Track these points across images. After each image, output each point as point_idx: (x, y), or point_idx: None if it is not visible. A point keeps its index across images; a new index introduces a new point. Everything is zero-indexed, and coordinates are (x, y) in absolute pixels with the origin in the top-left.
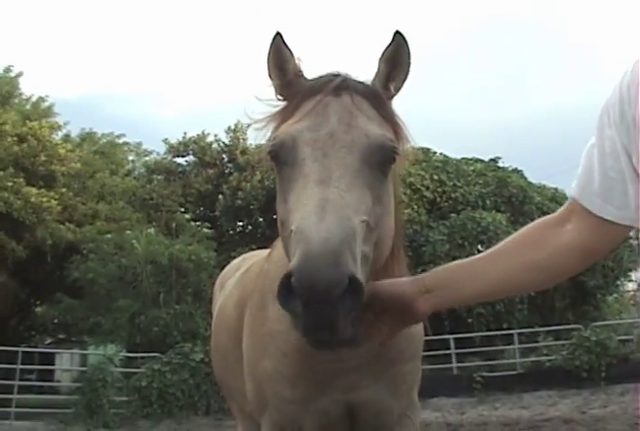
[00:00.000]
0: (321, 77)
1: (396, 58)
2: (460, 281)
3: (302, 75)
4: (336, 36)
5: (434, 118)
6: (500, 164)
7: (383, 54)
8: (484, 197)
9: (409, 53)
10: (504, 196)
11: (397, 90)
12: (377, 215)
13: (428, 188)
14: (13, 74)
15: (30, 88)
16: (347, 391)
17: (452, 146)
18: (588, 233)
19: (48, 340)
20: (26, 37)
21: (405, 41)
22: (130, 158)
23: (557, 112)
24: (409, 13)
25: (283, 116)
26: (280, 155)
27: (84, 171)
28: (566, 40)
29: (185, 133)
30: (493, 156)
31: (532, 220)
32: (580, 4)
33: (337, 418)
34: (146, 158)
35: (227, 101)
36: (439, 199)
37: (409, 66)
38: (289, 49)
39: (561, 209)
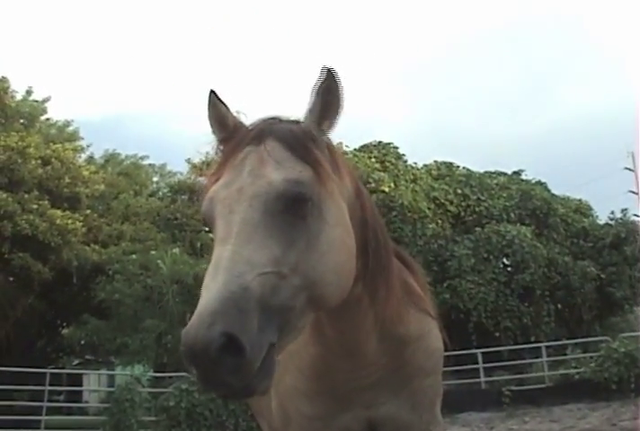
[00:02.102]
0: (250, 126)
1: (330, 97)
2: None
3: (242, 126)
4: (338, 36)
5: (456, 132)
6: (523, 177)
7: (317, 91)
8: (508, 211)
9: (342, 90)
10: (528, 208)
11: (332, 126)
12: (294, 260)
13: (452, 202)
14: (34, 97)
15: (53, 110)
16: (367, 407)
17: (475, 160)
18: None
19: (76, 361)
20: (47, 59)
21: (337, 78)
22: (155, 179)
23: (579, 124)
24: (428, 21)
25: (217, 173)
26: (205, 217)
27: (109, 193)
28: (589, 53)
29: (208, 152)
30: (516, 169)
31: (557, 232)
32: (604, 13)
33: None
34: (171, 179)
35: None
36: (463, 213)
37: (342, 102)
38: (225, 105)
39: None
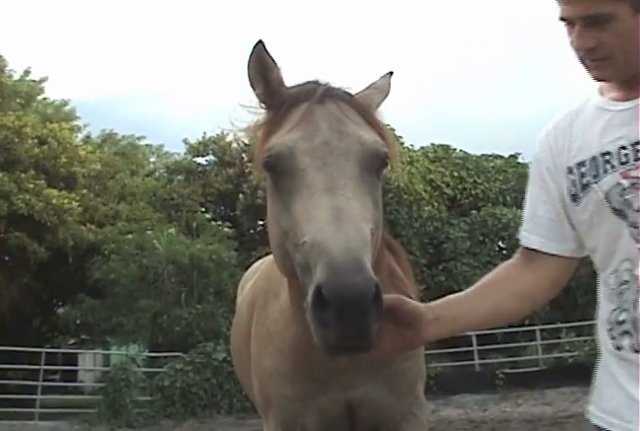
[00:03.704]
0: (303, 85)
1: (387, 93)
2: (460, 313)
3: (284, 84)
4: (339, 35)
5: (453, 115)
6: (520, 160)
7: (380, 86)
8: (504, 194)
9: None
10: (525, 192)
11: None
12: (377, 220)
13: (448, 185)
14: (32, 77)
15: (50, 91)
16: (345, 389)
17: (472, 143)
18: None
19: (71, 341)
20: (44, 39)
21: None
22: (151, 159)
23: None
24: (425, 12)
25: (271, 126)
26: (277, 166)
27: (105, 172)
28: None
29: (205, 133)
30: (512, 152)
31: None
32: None
33: (337, 416)
34: (167, 159)
35: (247, 100)
36: (459, 196)
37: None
38: (272, 58)
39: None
